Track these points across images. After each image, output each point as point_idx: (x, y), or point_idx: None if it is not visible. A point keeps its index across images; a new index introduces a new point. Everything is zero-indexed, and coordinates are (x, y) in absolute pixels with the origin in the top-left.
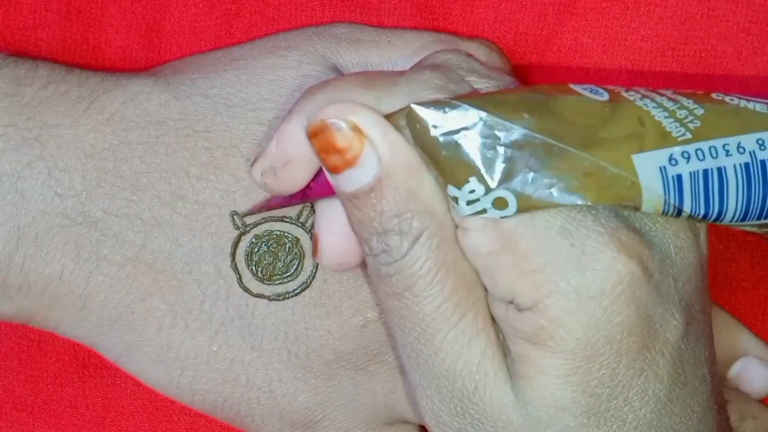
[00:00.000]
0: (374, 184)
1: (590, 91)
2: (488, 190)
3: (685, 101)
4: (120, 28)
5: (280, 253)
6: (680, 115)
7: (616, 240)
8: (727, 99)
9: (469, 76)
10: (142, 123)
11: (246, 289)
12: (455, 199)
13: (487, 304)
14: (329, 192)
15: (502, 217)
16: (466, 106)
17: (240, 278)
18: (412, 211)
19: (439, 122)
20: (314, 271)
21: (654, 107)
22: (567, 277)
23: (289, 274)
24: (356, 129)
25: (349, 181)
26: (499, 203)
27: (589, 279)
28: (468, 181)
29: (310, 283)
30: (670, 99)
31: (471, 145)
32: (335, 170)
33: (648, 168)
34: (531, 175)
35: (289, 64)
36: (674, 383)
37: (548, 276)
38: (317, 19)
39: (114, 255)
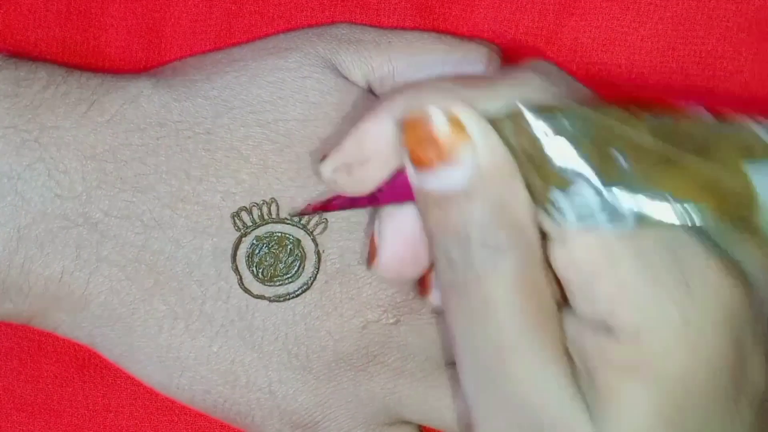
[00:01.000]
0: (467, 186)
1: (693, 110)
2: (606, 185)
3: None
4: (120, 29)
5: (281, 255)
6: None
7: (724, 268)
8: None
9: (560, 84)
10: (143, 125)
11: (247, 291)
12: (559, 209)
13: (563, 331)
14: (400, 197)
15: (613, 229)
16: (577, 107)
17: (241, 279)
18: (502, 224)
19: (548, 124)
20: (315, 272)
21: (759, 128)
22: (674, 304)
23: (290, 275)
24: (457, 124)
25: (439, 179)
26: (613, 214)
27: (698, 308)
28: (579, 177)
29: (311, 284)
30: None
31: (582, 148)
32: (428, 164)
33: (763, 179)
34: (647, 185)
35: (289, 66)
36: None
37: (654, 301)
38: (317, 19)
39: (114, 256)
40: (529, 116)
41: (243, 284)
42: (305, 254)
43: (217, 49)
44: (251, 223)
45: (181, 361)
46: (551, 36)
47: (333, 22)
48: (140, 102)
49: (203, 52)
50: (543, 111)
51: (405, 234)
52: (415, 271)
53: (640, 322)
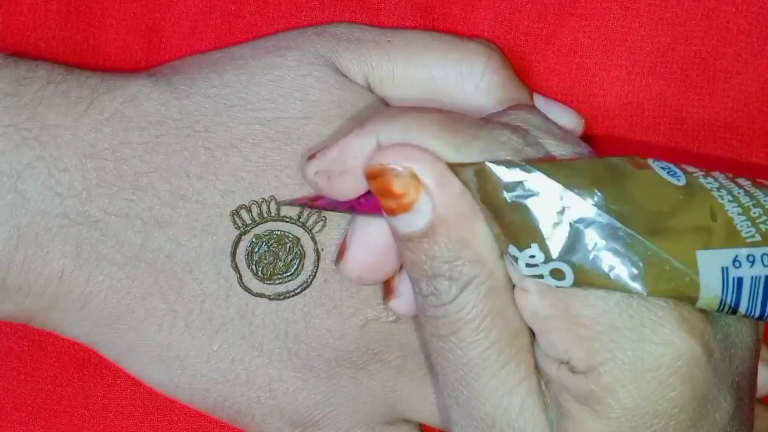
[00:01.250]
0: (427, 230)
1: (668, 172)
2: (548, 259)
3: (762, 198)
4: (120, 28)
5: (280, 253)
6: (754, 213)
7: (677, 315)
8: None
9: (545, 138)
10: (142, 123)
11: (246, 289)
12: (515, 259)
13: (533, 353)
14: (377, 210)
15: (558, 287)
16: (539, 173)
17: (240, 278)
18: (463, 259)
19: (510, 184)
20: (314, 270)
21: (729, 200)
22: (624, 348)
23: (289, 273)
24: (414, 176)
25: (403, 223)
26: (557, 274)
27: (646, 352)
28: (530, 246)
29: (311, 282)
30: (747, 193)
31: (539, 211)
32: (391, 213)
33: (710, 267)
34: (593, 254)
35: (288, 64)
36: None
37: (605, 344)
38: (317, 19)
39: (114, 255)
40: (495, 172)
41: (242, 282)
42: (304, 252)
43: (218, 48)
44: (251, 222)
45: (180, 359)
46: (551, 36)
47: (333, 22)
48: (140, 100)
49: (203, 52)
50: (509, 167)
51: (373, 243)
52: (378, 278)
53: (592, 362)
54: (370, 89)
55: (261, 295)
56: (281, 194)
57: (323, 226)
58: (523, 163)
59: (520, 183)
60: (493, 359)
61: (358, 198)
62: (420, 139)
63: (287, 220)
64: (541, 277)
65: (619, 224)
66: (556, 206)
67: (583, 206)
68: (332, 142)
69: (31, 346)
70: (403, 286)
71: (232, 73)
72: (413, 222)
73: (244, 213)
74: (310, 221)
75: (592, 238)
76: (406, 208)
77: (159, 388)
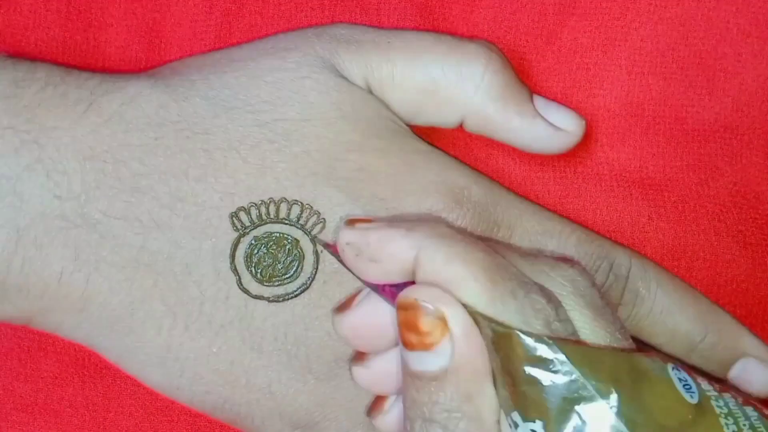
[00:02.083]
0: (439, 374)
1: (684, 385)
2: None
3: None
4: (120, 29)
5: (279, 255)
6: None
7: None
8: None
9: (583, 310)
10: (141, 125)
11: (245, 291)
12: (515, 425)
13: None
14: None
15: None
16: (565, 357)
17: (239, 280)
18: (464, 413)
19: (534, 358)
20: (314, 272)
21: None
22: None
23: (288, 275)
24: (442, 320)
25: (416, 360)
26: None
27: None
28: (534, 421)
29: (310, 284)
30: (752, 427)
31: (553, 393)
32: (409, 346)
33: None
34: None
35: (288, 66)
36: None
37: None
38: (317, 19)
39: (113, 257)
40: (524, 342)
41: (242, 284)
42: (304, 254)
43: (217, 49)
44: (250, 224)
45: (180, 361)
46: (551, 36)
47: (333, 22)
48: (139, 102)
49: (203, 53)
50: (537, 341)
51: (376, 321)
52: (360, 347)
53: None
54: (369, 90)
55: (260, 297)
56: (280, 196)
57: (322, 228)
58: (552, 342)
59: (543, 359)
60: None
61: (383, 285)
62: (459, 274)
63: (286, 222)
64: None
65: (625, 430)
66: (571, 393)
67: (598, 404)
68: (377, 222)
69: (31, 347)
70: (394, 409)
71: (232, 75)
72: (428, 362)
73: (243, 215)
74: (309, 223)
75: None
76: (425, 347)
77: (159, 390)
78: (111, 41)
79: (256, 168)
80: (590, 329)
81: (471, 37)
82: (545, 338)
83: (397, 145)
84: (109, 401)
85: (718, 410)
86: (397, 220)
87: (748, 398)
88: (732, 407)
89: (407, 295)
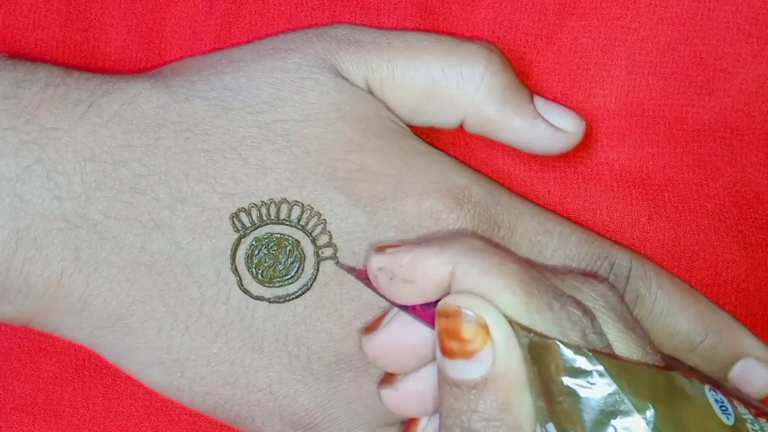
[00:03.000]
0: (479, 382)
1: (720, 407)
2: None
3: None
4: (120, 29)
5: (280, 256)
6: None
7: None
8: None
9: (616, 324)
10: (141, 125)
11: (246, 292)
12: None
13: None
14: (429, 323)
15: None
16: (604, 369)
17: (240, 281)
18: (503, 422)
19: (572, 369)
20: (315, 273)
21: None
22: None
23: (289, 276)
24: (485, 327)
25: (457, 369)
26: None
27: None
28: None
29: (311, 285)
30: None
31: (590, 405)
32: (449, 354)
33: None
34: None
35: (288, 67)
36: None
37: None
38: (317, 19)
39: (113, 258)
40: (562, 353)
41: (242, 285)
42: (305, 255)
43: (217, 49)
44: (250, 224)
45: (180, 362)
46: (551, 36)
47: (333, 23)
48: (139, 103)
49: (203, 53)
50: (577, 352)
51: (406, 341)
52: (387, 368)
53: None
54: (370, 91)
55: (261, 298)
56: (280, 197)
57: (323, 229)
58: (591, 354)
59: (582, 371)
60: None
61: (414, 305)
62: (495, 286)
63: (287, 223)
64: None
65: None
66: (608, 407)
67: (635, 419)
68: (406, 244)
69: (31, 347)
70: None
71: (231, 76)
72: (469, 370)
73: (243, 216)
74: (310, 224)
75: None
76: (467, 355)
77: (159, 390)
78: (111, 41)
79: (256, 169)
80: (623, 343)
81: (471, 38)
82: (584, 350)
83: (398, 145)
84: (109, 401)
85: None
86: (426, 240)
87: None
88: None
89: (449, 302)
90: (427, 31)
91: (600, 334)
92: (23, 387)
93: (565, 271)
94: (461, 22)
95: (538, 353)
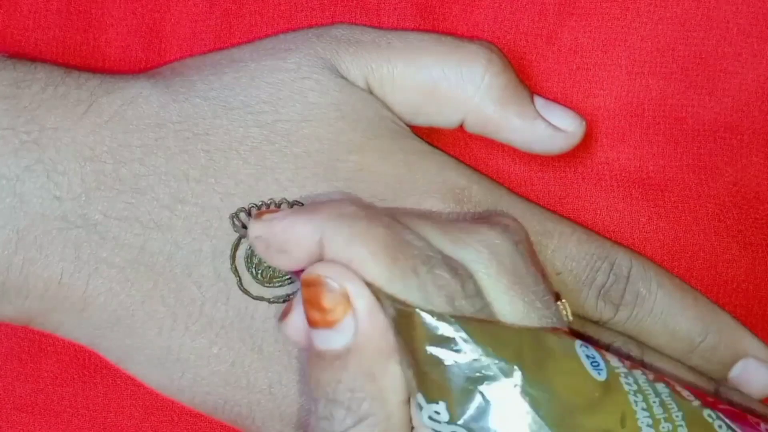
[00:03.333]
0: (342, 352)
1: (591, 363)
2: (452, 421)
3: (675, 412)
4: (120, 29)
5: None
6: (663, 428)
7: None
8: (716, 425)
9: (499, 278)
10: (141, 125)
11: (246, 292)
12: (419, 407)
13: None
14: None
15: None
16: (467, 335)
17: (240, 281)
18: (366, 393)
19: (435, 337)
20: None
21: (642, 409)
22: None
23: (289, 277)
24: (345, 296)
25: (321, 338)
26: None
27: None
28: (437, 402)
29: None
30: (662, 404)
31: (455, 373)
32: (312, 324)
33: None
34: (497, 431)
35: (288, 67)
36: None
37: None
38: (317, 19)
39: (113, 258)
40: (424, 320)
41: (242, 285)
42: None
43: (217, 49)
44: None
45: (181, 362)
46: (551, 36)
47: (333, 23)
48: (139, 103)
49: (203, 53)
50: (439, 319)
51: None
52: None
53: None
54: (370, 91)
55: (261, 298)
56: (280, 197)
57: None
58: (453, 319)
59: (445, 339)
60: None
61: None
62: (359, 255)
63: None
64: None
65: (530, 409)
66: (474, 373)
67: (501, 383)
68: (283, 212)
69: (32, 347)
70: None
71: (232, 76)
72: (331, 340)
73: (243, 216)
74: None
75: (499, 415)
76: (328, 324)
77: (159, 391)
78: (111, 41)
79: (256, 169)
80: (507, 299)
81: (471, 38)
82: (447, 316)
83: (398, 145)
84: (109, 401)
85: (627, 387)
86: (303, 207)
87: (661, 375)
88: (642, 384)
89: (311, 271)
90: (427, 31)
91: (473, 296)
92: (23, 387)
93: (454, 221)
94: (461, 22)
95: (402, 322)
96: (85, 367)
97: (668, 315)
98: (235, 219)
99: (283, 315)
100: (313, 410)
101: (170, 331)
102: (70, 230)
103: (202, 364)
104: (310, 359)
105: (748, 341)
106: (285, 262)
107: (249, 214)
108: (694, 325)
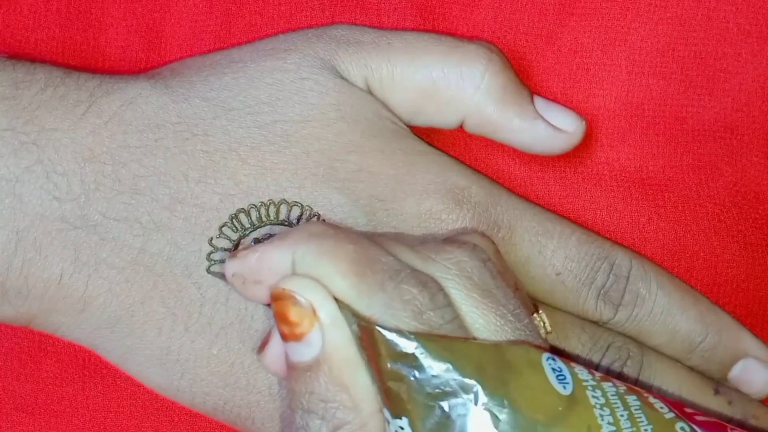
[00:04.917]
0: (312, 364)
1: (557, 376)
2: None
3: (644, 425)
4: (120, 29)
5: None
6: None
7: None
8: None
9: (471, 292)
10: (141, 126)
11: None
12: (387, 421)
13: None
14: None
15: None
16: (427, 352)
17: None
18: (339, 403)
19: (396, 353)
20: None
21: (609, 423)
22: None
23: None
24: (312, 309)
25: (292, 351)
26: None
27: None
28: (401, 418)
29: None
30: (630, 417)
31: (416, 389)
32: (284, 337)
33: None
34: None
35: (288, 67)
36: None
37: None
38: (317, 19)
39: (113, 258)
40: (386, 337)
41: None
42: None
43: (217, 49)
44: (250, 225)
45: (180, 363)
46: (551, 36)
47: (333, 23)
48: (138, 103)
49: (203, 53)
50: (400, 336)
51: None
52: None
53: None
54: (370, 91)
55: None
56: (280, 197)
57: None
58: (413, 336)
59: (405, 355)
60: None
61: None
62: (327, 272)
63: (286, 223)
64: None
65: (491, 424)
66: (434, 389)
67: (461, 400)
68: (256, 245)
69: (32, 347)
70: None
71: (231, 76)
72: (301, 352)
73: (243, 217)
74: None
75: (461, 431)
76: (296, 337)
77: (159, 391)
78: (111, 42)
79: (255, 169)
80: (479, 313)
81: (471, 38)
82: (406, 333)
83: (397, 145)
84: (109, 401)
85: (593, 401)
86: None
87: (632, 387)
88: (611, 397)
89: (278, 285)
90: (427, 31)
91: (442, 307)
92: (23, 387)
93: (423, 241)
94: (461, 22)
95: (366, 339)
96: (85, 367)
97: (668, 315)
98: (234, 220)
99: (261, 346)
100: (291, 422)
101: (170, 331)
102: (70, 231)
103: (201, 364)
104: (288, 372)
105: (748, 341)
106: (261, 293)
107: (248, 214)
108: (694, 326)
